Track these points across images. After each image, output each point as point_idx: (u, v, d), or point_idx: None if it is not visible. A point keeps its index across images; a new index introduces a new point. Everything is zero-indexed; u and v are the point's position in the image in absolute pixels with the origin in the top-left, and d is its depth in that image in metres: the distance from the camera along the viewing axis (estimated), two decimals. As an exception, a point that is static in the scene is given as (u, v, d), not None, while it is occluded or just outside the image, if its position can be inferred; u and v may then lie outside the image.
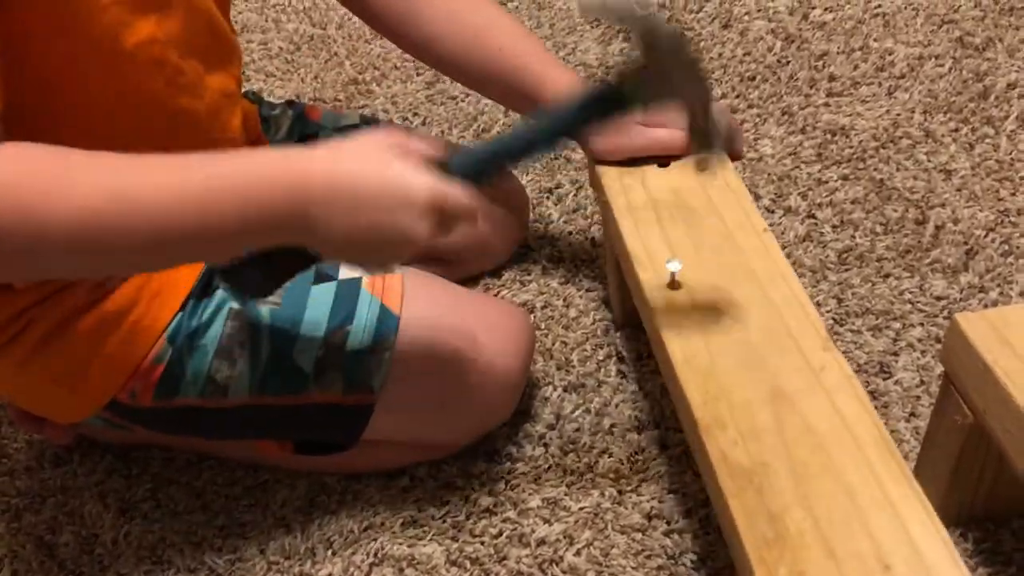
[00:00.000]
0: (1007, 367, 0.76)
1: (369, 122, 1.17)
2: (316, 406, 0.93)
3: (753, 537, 0.69)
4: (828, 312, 1.14)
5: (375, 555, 0.97)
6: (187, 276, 0.91)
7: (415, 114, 1.51)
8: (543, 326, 1.16)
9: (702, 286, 0.88)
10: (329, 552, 0.98)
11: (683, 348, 0.83)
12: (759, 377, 0.79)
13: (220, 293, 0.91)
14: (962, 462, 0.86)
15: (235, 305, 0.91)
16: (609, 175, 1.02)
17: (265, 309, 0.91)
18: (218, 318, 0.91)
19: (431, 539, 0.98)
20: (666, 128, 0.98)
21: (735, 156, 1.02)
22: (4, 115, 0.70)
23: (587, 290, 1.20)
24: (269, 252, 0.75)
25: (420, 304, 0.94)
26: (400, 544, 0.97)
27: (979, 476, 0.88)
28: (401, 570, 0.95)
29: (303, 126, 1.13)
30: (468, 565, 0.95)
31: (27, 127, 0.68)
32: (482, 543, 0.97)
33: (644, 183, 1.00)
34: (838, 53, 1.51)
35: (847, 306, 1.14)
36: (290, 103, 1.15)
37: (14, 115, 0.70)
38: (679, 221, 0.95)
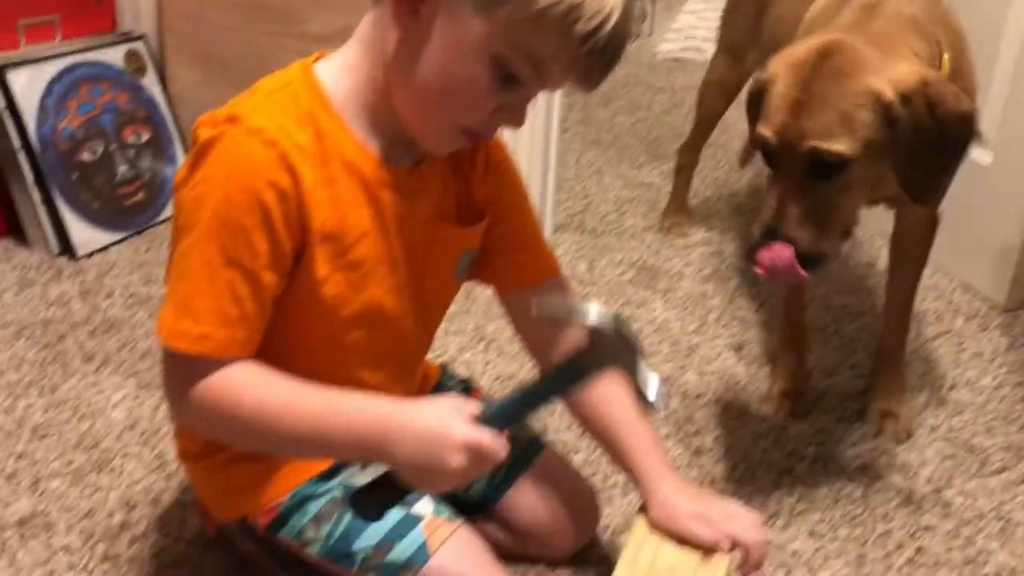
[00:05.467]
0: None
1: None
2: None
3: None
4: None
5: None
6: (321, 464, 1.32)
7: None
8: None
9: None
10: None
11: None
12: None
13: (336, 481, 1.31)
14: None
15: (338, 494, 1.29)
16: (640, 530, 1.30)
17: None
18: (324, 496, 1.30)
19: None
20: (711, 530, 1.26)
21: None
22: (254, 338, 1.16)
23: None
24: (383, 484, 1.15)
25: (449, 555, 1.27)
26: None
27: None
28: None
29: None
30: None
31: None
32: None
33: (658, 550, 1.27)
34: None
35: None
36: (463, 381, 1.56)
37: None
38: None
